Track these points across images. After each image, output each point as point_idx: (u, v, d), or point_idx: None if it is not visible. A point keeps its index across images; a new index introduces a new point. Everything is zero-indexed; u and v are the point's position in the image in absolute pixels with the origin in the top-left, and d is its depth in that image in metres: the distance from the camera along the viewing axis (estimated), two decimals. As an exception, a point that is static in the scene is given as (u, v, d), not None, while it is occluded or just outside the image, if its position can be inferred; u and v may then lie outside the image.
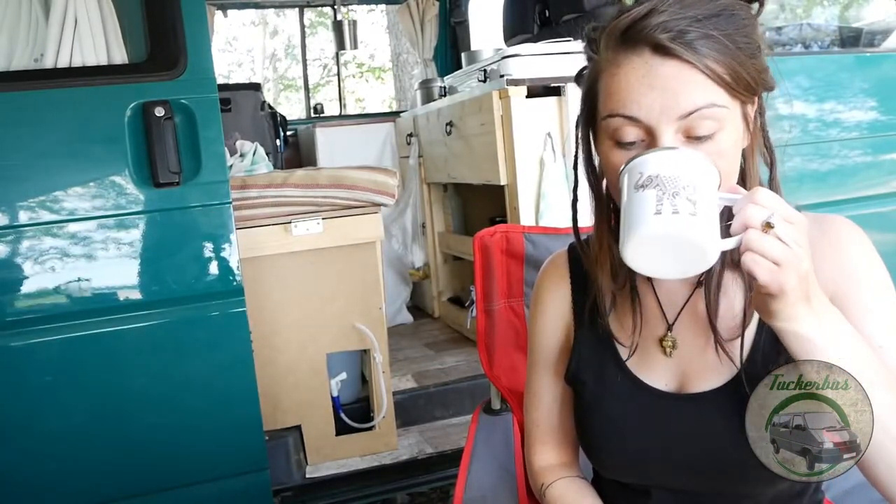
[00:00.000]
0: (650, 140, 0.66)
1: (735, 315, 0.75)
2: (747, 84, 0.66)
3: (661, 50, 0.64)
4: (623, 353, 0.80)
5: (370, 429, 1.97)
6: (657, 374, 0.78)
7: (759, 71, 0.68)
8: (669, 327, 0.78)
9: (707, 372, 0.76)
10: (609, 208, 0.77)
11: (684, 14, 0.64)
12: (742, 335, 0.73)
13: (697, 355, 0.77)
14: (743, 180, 0.73)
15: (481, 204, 2.87)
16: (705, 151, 0.65)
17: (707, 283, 0.74)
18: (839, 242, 0.72)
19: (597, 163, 0.77)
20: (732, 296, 0.75)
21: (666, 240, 0.60)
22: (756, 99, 0.71)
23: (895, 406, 0.62)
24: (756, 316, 0.73)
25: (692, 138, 0.65)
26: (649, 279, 0.79)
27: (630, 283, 0.79)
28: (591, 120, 0.73)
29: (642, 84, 0.64)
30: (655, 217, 0.60)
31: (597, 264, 0.79)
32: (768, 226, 0.58)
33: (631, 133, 0.67)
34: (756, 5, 0.70)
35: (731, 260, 0.73)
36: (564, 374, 0.85)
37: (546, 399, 0.90)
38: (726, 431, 0.72)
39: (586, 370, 0.83)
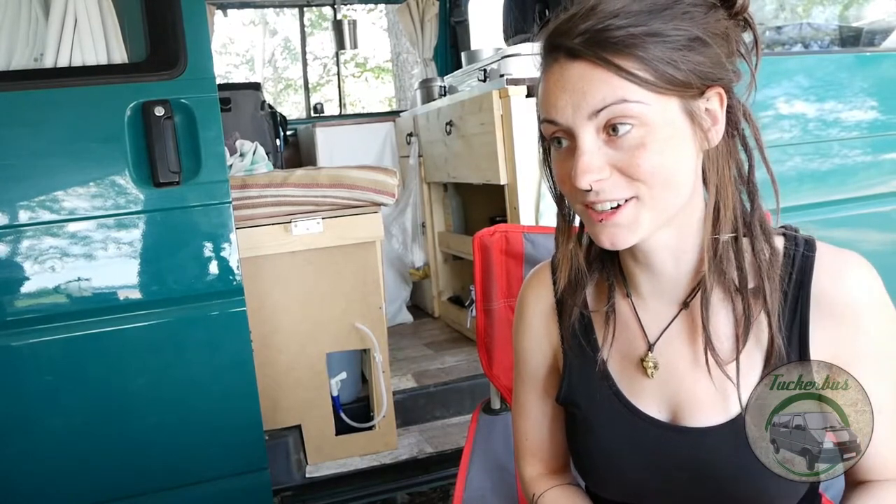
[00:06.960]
0: (572, 142, 0.66)
1: (720, 339, 0.71)
2: (672, 79, 0.63)
3: (572, 53, 0.64)
4: (614, 376, 0.78)
5: (370, 428, 1.97)
6: (647, 399, 0.75)
7: (699, 64, 0.64)
8: (650, 347, 0.75)
9: (701, 405, 0.72)
10: (566, 214, 0.76)
11: (605, 13, 0.64)
12: (737, 369, 0.69)
13: (689, 384, 0.73)
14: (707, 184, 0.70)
15: (481, 204, 2.87)
16: (626, 149, 0.64)
17: (703, 308, 0.70)
18: (862, 304, 0.69)
19: None
20: (719, 318, 0.72)
21: None
22: (712, 92, 0.67)
23: None
24: (757, 357, 0.71)
25: (612, 136, 0.64)
26: (629, 296, 0.77)
27: (609, 299, 0.78)
28: None
29: (556, 87, 0.66)
30: None
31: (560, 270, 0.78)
32: None
33: (558, 135, 0.68)
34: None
35: (723, 279, 0.70)
36: (556, 396, 0.82)
37: (534, 413, 0.87)
38: (727, 468, 0.70)
39: (578, 394, 0.80)
